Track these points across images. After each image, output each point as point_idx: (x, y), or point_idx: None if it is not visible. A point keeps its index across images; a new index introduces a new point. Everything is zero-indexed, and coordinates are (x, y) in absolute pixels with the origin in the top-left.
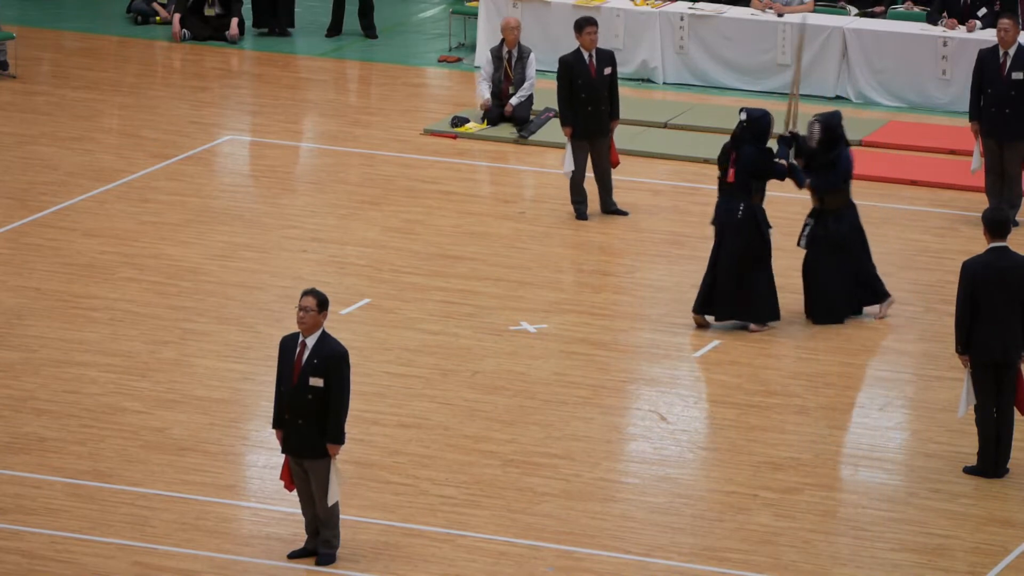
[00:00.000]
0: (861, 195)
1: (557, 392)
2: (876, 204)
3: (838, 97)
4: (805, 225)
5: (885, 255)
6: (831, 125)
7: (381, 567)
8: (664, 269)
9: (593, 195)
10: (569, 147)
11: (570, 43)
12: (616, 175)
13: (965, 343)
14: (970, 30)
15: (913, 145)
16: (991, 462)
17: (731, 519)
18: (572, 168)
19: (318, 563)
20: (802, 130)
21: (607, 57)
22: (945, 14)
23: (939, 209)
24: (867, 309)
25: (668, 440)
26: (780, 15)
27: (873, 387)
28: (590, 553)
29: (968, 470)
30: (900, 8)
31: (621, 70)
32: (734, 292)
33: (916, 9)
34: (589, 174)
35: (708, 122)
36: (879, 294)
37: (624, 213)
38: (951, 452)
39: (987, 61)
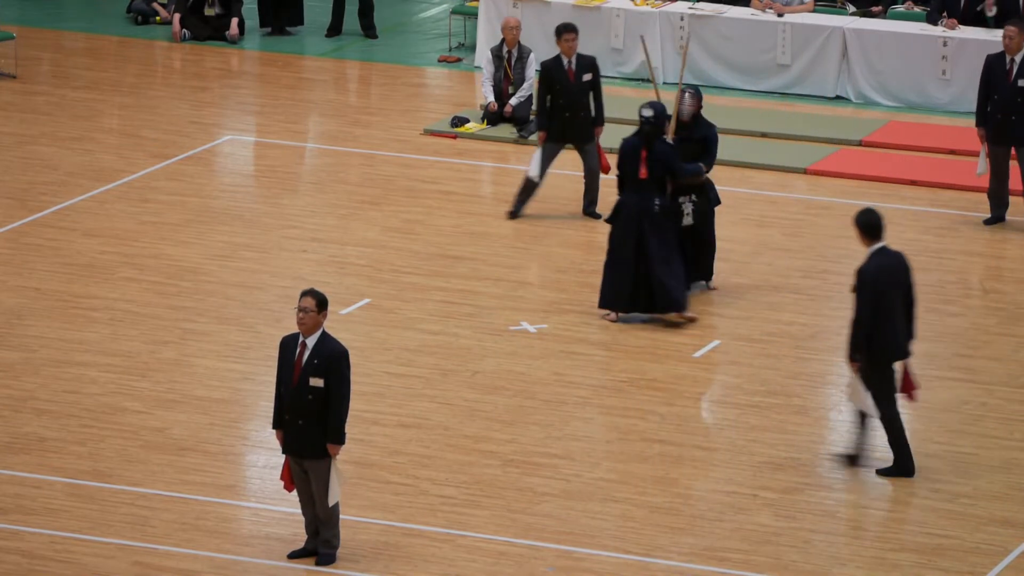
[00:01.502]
0: (861, 195)
1: (557, 392)
2: (876, 204)
3: (838, 97)
4: (684, 204)
5: None
6: (701, 95)
7: (381, 567)
8: None
9: (577, 196)
10: (539, 152)
11: None
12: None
13: (865, 347)
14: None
15: (913, 145)
16: (910, 457)
17: (731, 519)
18: (537, 173)
19: (318, 563)
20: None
21: (587, 64)
22: (945, 14)
23: (939, 209)
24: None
25: (668, 440)
26: (780, 15)
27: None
28: (590, 553)
29: (883, 471)
30: (900, 8)
31: (621, 70)
32: (662, 284)
33: (916, 9)
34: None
35: None
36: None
37: (598, 216)
38: (951, 452)
39: (994, 67)
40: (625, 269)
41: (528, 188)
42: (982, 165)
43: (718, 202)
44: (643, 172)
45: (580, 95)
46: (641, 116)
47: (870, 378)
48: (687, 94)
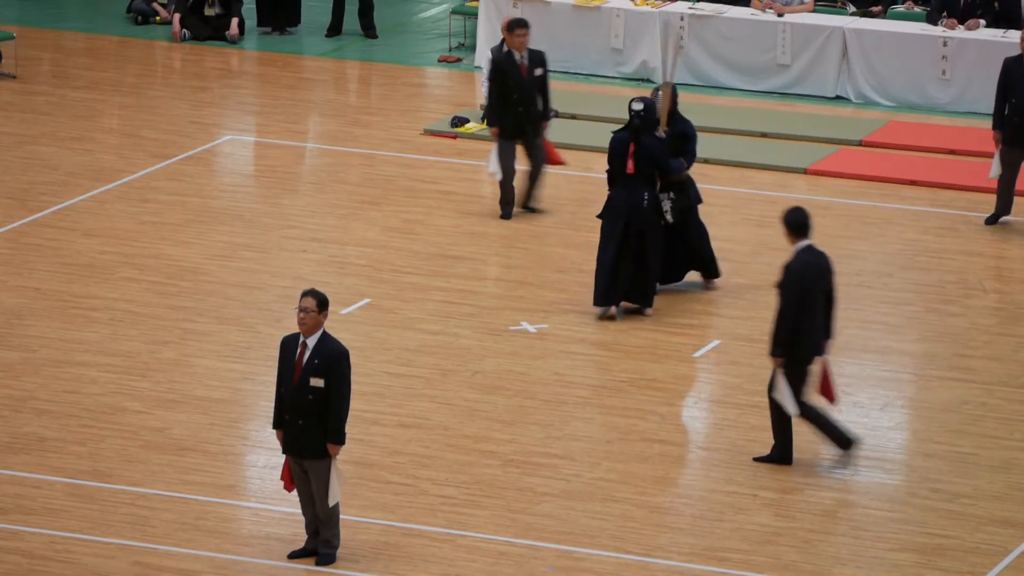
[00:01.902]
0: (861, 195)
1: (557, 392)
2: (876, 204)
3: (838, 97)
4: (663, 201)
5: (885, 255)
6: (676, 91)
7: (381, 567)
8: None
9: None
10: (495, 148)
11: (570, 43)
12: None
13: (787, 345)
14: (971, 29)
15: (913, 145)
16: (789, 447)
17: (731, 519)
18: (497, 170)
19: (318, 563)
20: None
21: (538, 58)
22: (945, 14)
23: (939, 209)
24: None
25: (668, 440)
26: (780, 15)
27: (873, 387)
28: (590, 553)
29: (762, 459)
30: (900, 8)
31: (621, 70)
32: (634, 277)
33: (916, 9)
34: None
35: (708, 122)
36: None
37: (538, 211)
38: (951, 452)
39: (1011, 70)
40: (614, 263)
41: (505, 187)
42: (995, 168)
43: (699, 200)
44: (630, 167)
45: (533, 90)
46: (631, 110)
47: (790, 374)
48: (660, 91)
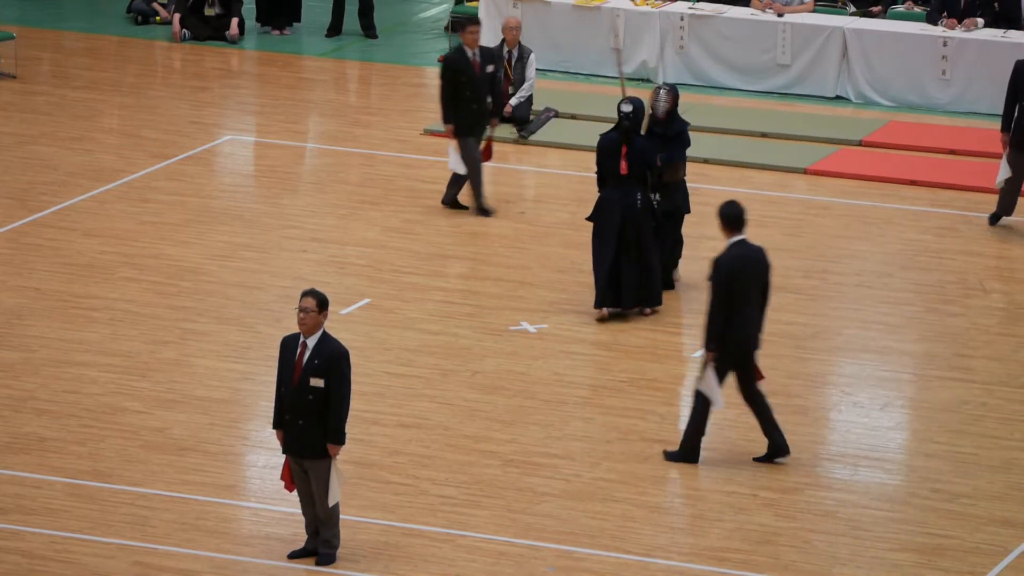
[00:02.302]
0: (861, 195)
1: (557, 392)
2: (876, 204)
3: (838, 97)
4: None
5: (885, 255)
6: (678, 93)
7: (381, 567)
8: None
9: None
10: (453, 147)
11: (570, 43)
12: None
13: (719, 338)
14: (968, 29)
15: (913, 145)
16: (697, 449)
17: (731, 519)
18: (461, 167)
19: (318, 563)
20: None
21: (489, 55)
22: (945, 14)
23: (939, 209)
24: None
25: (668, 440)
26: (780, 15)
27: (873, 387)
28: (590, 553)
29: (670, 455)
30: (900, 8)
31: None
32: (639, 278)
33: (916, 9)
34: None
35: (708, 122)
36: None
37: (465, 208)
38: (951, 452)
39: (1021, 72)
40: (610, 265)
41: (475, 182)
42: (1002, 173)
43: (687, 210)
44: (623, 168)
45: (485, 87)
46: (620, 111)
47: (718, 368)
48: (662, 91)
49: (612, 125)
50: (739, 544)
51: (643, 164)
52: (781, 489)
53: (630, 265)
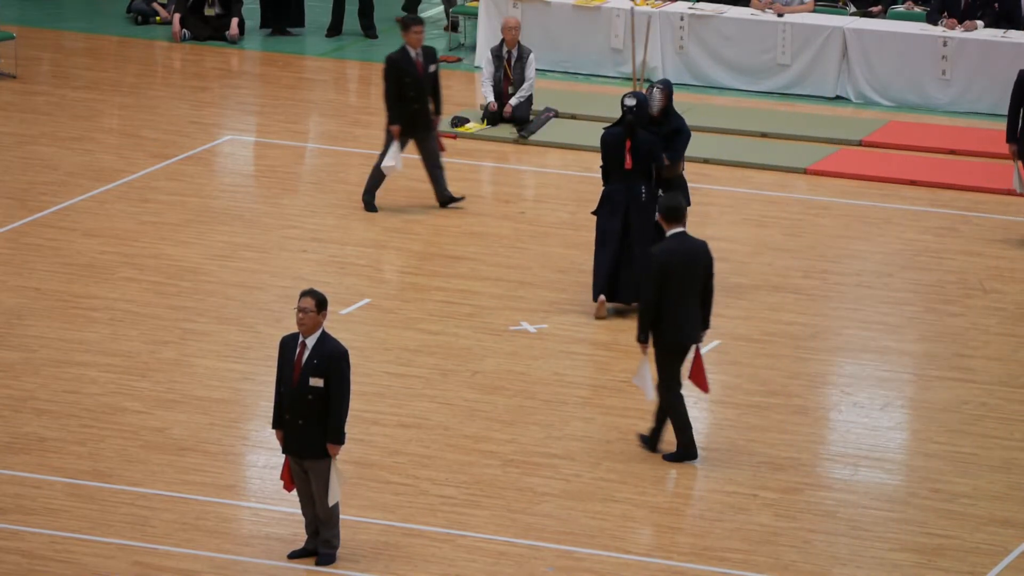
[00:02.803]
0: (861, 195)
1: (557, 392)
2: (876, 204)
3: (838, 97)
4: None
5: (885, 255)
6: (671, 90)
7: (381, 567)
8: None
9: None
10: (396, 144)
11: (570, 43)
12: None
13: (653, 330)
14: (968, 30)
15: (913, 145)
16: (692, 442)
17: (731, 519)
18: (398, 164)
19: (318, 563)
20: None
21: (431, 55)
22: (945, 14)
23: (939, 209)
24: None
25: (668, 440)
26: (780, 15)
27: (873, 387)
28: (590, 553)
29: (669, 457)
30: (900, 8)
31: (621, 70)
32: (639, 275)
33: (916, 9)
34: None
35: (708, 122)
36: None
37: (460, 199)
38: (951, 452)
39: None
40: (613, 258)
41: (378, 180)
42: (1018, 183)
43: (687, 203)
44: (628, 162)
45: (427, 86)
46: (624, 105)
47: (657, 362)
48: (656, 88)
49: (614, 121)
50: (739, 544)
51: (647, 158)
52: (781, 489)
53: (630, 261)
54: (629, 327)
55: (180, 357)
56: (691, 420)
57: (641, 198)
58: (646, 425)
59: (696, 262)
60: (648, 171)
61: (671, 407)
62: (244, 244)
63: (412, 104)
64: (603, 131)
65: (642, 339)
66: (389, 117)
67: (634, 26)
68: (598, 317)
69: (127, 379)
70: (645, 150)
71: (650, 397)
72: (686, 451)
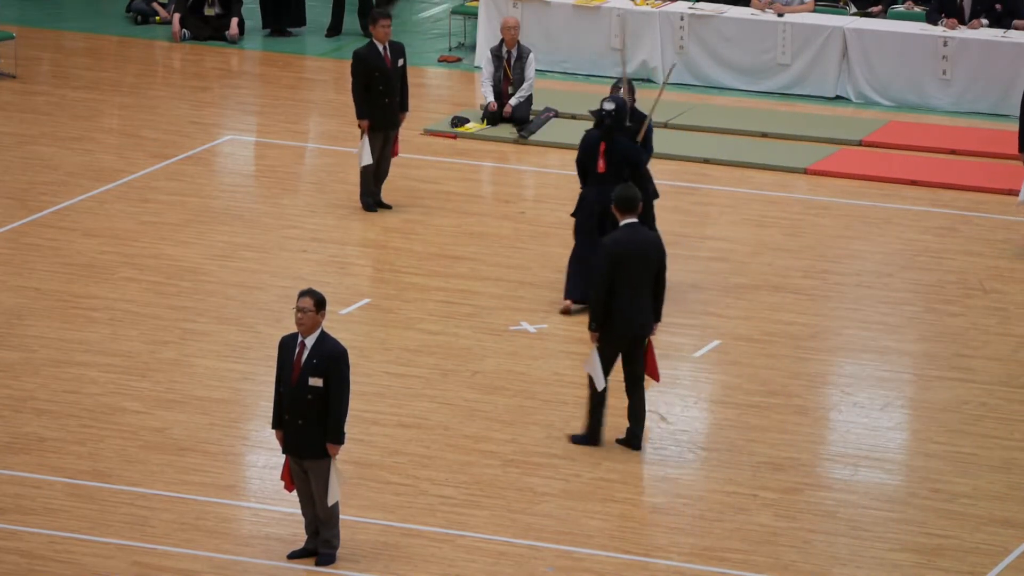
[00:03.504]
0: (861, 195)
1: (557, 392)
2: (876, 204)
3: (838, 97)
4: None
5: (885, 255)
6: (634, 88)
7: (381, 567)
8: None
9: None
10: (366, 140)
11: (570, 43)
12: None
13: (602, 320)
14: (973, 28)
15: (913, 145)
16: (599, 429)
17: (731, 519)
18: (370, 161)
19: (318, 563)
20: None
21: (399, 49)
22: (944, 14)
23: (939, 209)
24: None
25: (668, 440)
26: (780, 15)
27: (873, 387)
28: (590, 553)
29: (576, 439)
30: (900, 8)
31: (621, 70)
32: None
33: (916, 9)
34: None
35: (708, 122)
36: None
37: (388, 207)
38: (951, 452)
39: None
40: (584, 260)
41: (367, 179)
42: None
43: (656, 195)
44: (601, 166)
45: (395, 80)
46: (602, 109)
47: (601, 350)
48: (623, 89)
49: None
50: (739, 544)
51: (623, 162)
52: (781, 489)
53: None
54: None
55: (180, 357)
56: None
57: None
58: (650, 426)
59: (647, 254)
60: (622, 175)
61: (593, 391)
62: (244, 244)
63: (382, 98)
64: (584, 133)
65: (593, 328)
66: (357, 112)
67: (624, 34)
68: (564, 312)
69: (127, 379)
70: (620, 155)
71: (601, 386)
72: (591, 436)
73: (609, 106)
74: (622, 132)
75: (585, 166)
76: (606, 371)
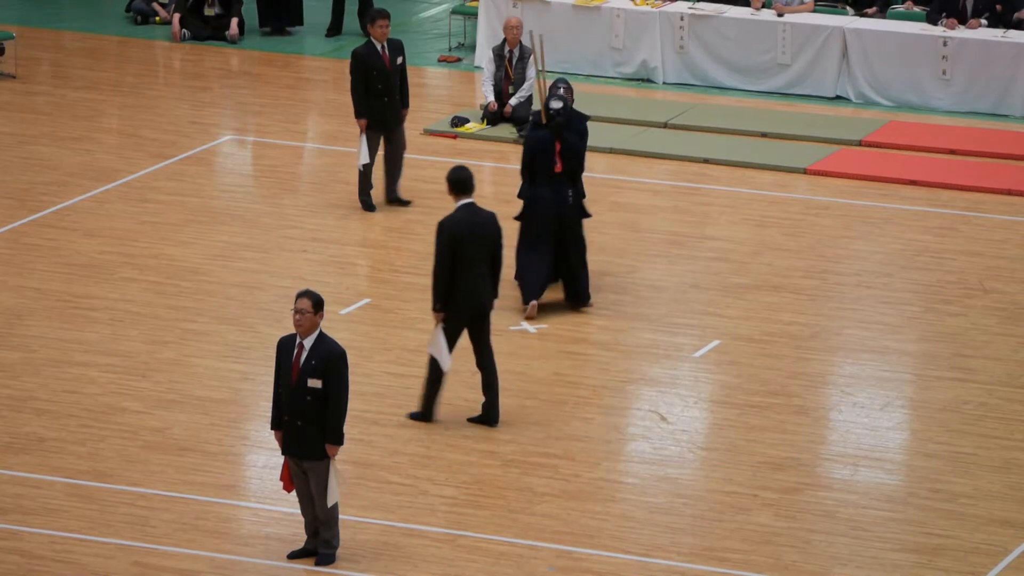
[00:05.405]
0: (861, 195)
1: (557, 392)
2: (876, 204)
3: (838, 97)
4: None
5: (885, 255)
6: (571, 87)
7: (381, 567)
8: (664, 269)
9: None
10: (364, 139)
11: (570, 43)
12: (616, 174)
13: (445, 299)
14: (972, 28)
15: (913, 145)
16: (432, 407)
17: (731, 519)
18: (369, 161)
19: (318, 563)
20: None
21: (397, 47)
22: (944, 14)
23: (939, 209)
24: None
25: (668, 440)
26: (780, 15)
27: (873, 387)
28: (590, 553)
29: (413, 415)
30: (900, 8)
31: (621, 70)
32: (570, 278)
33: (916, 9)
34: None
35: (708, 122)
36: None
37: (406, 203)
38: (951, 452)
39: None
40: (545, 261)
41: (365, 178)
42: None
43: (583, 195)
44: (559, 166)
45: (394, 79)
46: (550, 109)
47: (446, 328)
48: (561, 88)
49: (544, 123)
50: (739, 544)
51: (576, 160)
52: (781, 489)
53: (564, 264)
54: (629, 328)
55: (180, 357)
56: (691, 421)
57: (568, 200)
58: (645, 425)
59: (483, 233)
60: (573, 174)
61: (432, 368)
62: (244, 244)
63: (381, 98)
64: (526, 136)
65: (437, 308)
66: (356, 111)
67: (538, 45)
68: (528, 318)
69: (127, 379)
70: (573, 152)
71: (446, 367)
72: (425, 414)
73: (557, 105)
74: (569, 130)
75: (533, 167)
76: (450, 349)
